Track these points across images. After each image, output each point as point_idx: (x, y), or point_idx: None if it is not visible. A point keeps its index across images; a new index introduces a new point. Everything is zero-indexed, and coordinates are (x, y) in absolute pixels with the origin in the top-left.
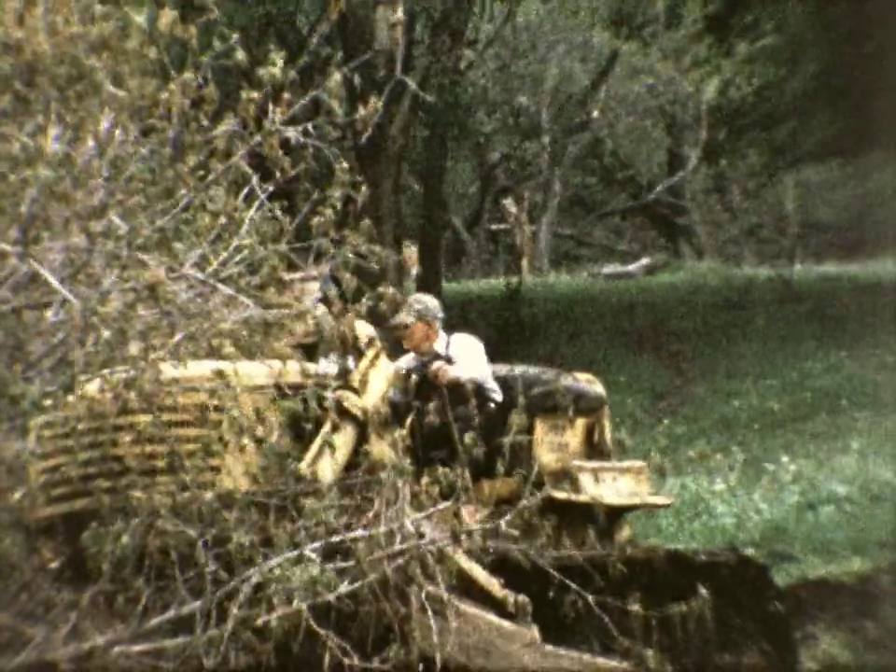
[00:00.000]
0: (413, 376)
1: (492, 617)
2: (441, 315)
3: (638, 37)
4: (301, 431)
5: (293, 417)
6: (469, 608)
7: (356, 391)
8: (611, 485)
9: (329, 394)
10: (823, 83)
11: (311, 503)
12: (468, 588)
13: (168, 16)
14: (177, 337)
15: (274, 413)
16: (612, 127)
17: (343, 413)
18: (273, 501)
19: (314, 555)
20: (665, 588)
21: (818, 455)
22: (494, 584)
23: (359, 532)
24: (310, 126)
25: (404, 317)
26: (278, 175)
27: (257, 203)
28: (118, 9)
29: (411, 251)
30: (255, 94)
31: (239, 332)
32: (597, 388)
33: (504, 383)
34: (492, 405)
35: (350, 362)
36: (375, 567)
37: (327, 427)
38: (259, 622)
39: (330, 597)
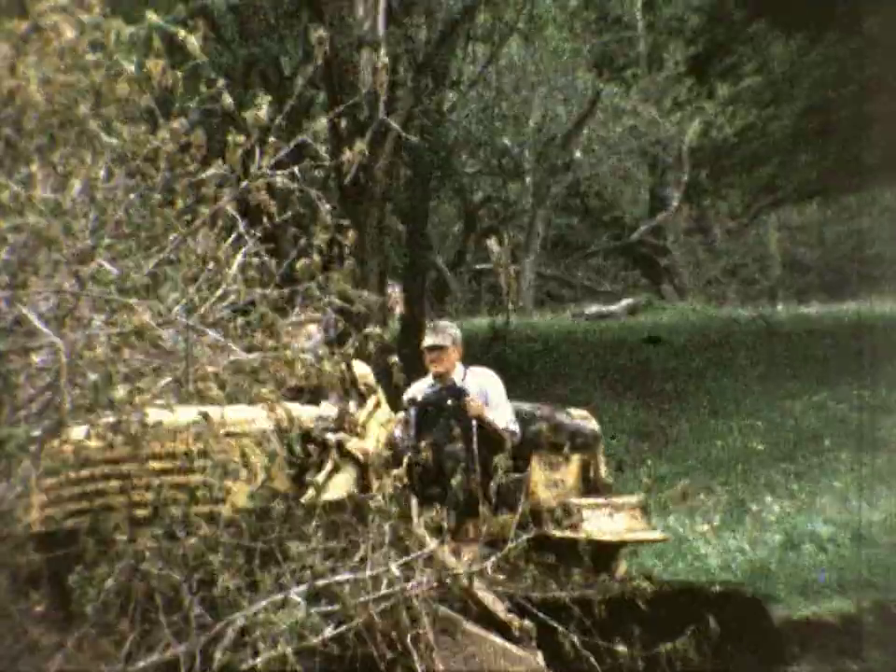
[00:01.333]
0: (416, 405)
1: (498, 639)
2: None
3: (620, 79)
4: (301, 474)
5: (294, 460)
6: (475, 629)
7: (357, 434)
8: (608, 521)
9: (330, 436)
10: (805, 124)
11: (296, 546)
12: (473, 610)
13: (157, 63)
14: (163, 381)
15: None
16: (595, 168)
17: (345, 454)
18: (259, 545)
19: (299, 599)
20: (669, 621)
21: (801, 495)
22: (499, 607)
23: (345, 576)
24: (296, 170)
25: (441, 340)
26: (265, 220)
27: (244, 248)
28: (108, 57)
29: (396, 293)
30: (241, 139)
31: (224, 376)
32: (592, 424)
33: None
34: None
35: (351, 405)
36: (361, 610)
37: (328, 468)
38: (244, 666)
39: (316, 641)
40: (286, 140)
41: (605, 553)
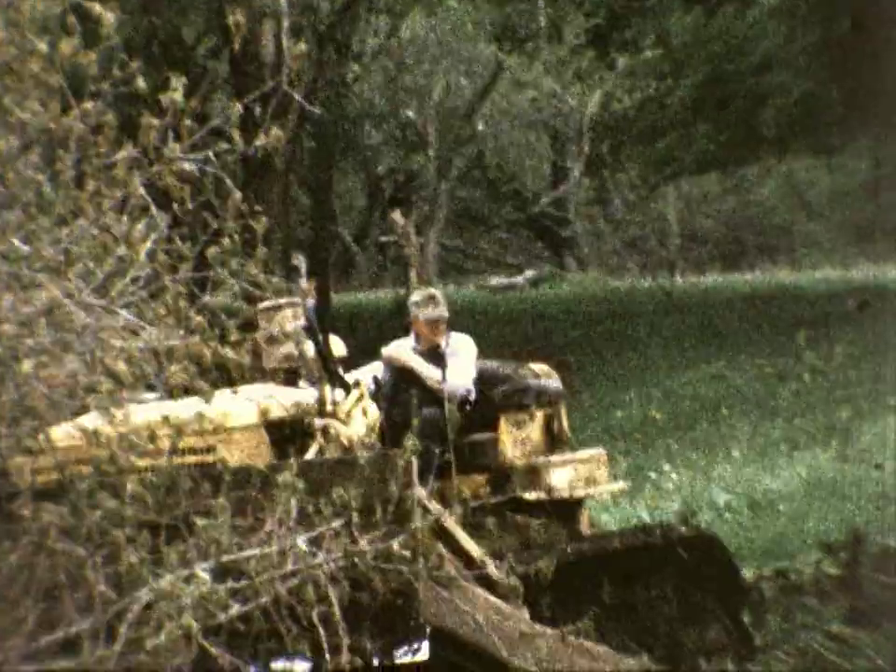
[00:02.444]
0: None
1: (490, 596)
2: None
3: (522, 51)
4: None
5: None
6: (469, 585)
7: (342, 422)
8: (573, 476)
9: (317, 421)
10: (703, 96)
11: (203, 522)
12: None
13: (70, 42)
14: (70, 359)
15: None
16: (497, 140)
17: (330, 439)
18: (165, 520)
19: (205, 574)
20: (633, 566)
21: (699, 463)
22: (489, 565)
23: (251, 551)
24: (211, 154)
25: (444, 311)
26: (175, 205)
27: (156, 232)
28: (20, 35)
29: (302, 264)
30: (155, 121)
31: (133, 352)
32: (556, 382)
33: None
34: (467, 406)
35: (328, 389)
36: (268, 587)
37: (313, 450)
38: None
39: (222, 617)
40: (194, 118)
41: (569, 507)
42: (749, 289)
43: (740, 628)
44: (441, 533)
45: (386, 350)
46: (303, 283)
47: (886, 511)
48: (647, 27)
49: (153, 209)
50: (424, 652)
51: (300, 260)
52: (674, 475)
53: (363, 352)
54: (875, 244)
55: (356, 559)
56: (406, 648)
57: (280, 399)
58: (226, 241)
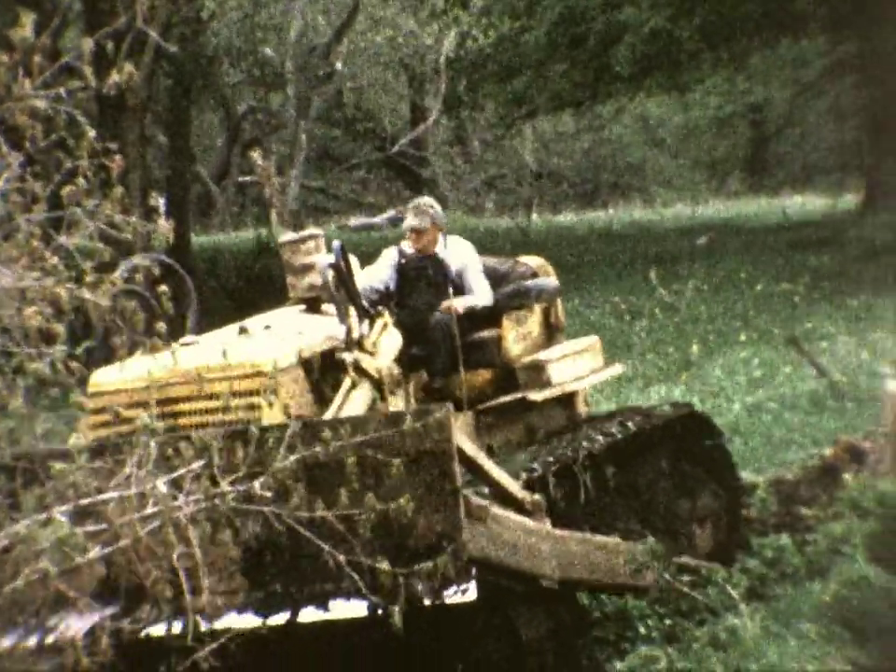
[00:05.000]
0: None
1: (517, 516)
2: (446, 220)
3: None
4: (322, 394)
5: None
6: (500, 511)
7: (370, 353)
8: (573, 367)
9: (346, 355)
10: (557, 35)
11: (60, 466)
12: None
13: None
14: None
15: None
16: (356, 79)
17: (361, 372)
18: (21, 464)
19: (63, 518)
20: (633, 448)
21: None
22: (513, 485)
23: (110, 494)
24: (63, 91)
25: (419, 222)
26: (27, 143)
27: (8, 172)
28: None
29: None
30: (4, 58)
31: None
32: (553, 280)
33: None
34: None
35: (354, 320)
36: (127, 530)
37: (347, 385)
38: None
39: (81, 560)
40: (45, 55)
41: (569, 394)
42: (604, 227)
43: (729, 491)
44: (472, 465)
45: (390, 249)
46: (162, 223)
47: (733, 444)
48: None
49: (4, 148)
50: (472, 592)
51: (158, 201)
52: None
53: (225, 292)
54: (726, 180)
55: (216, 501)
56: (455, 588)
57: (312, 334)
58: (80, 180)
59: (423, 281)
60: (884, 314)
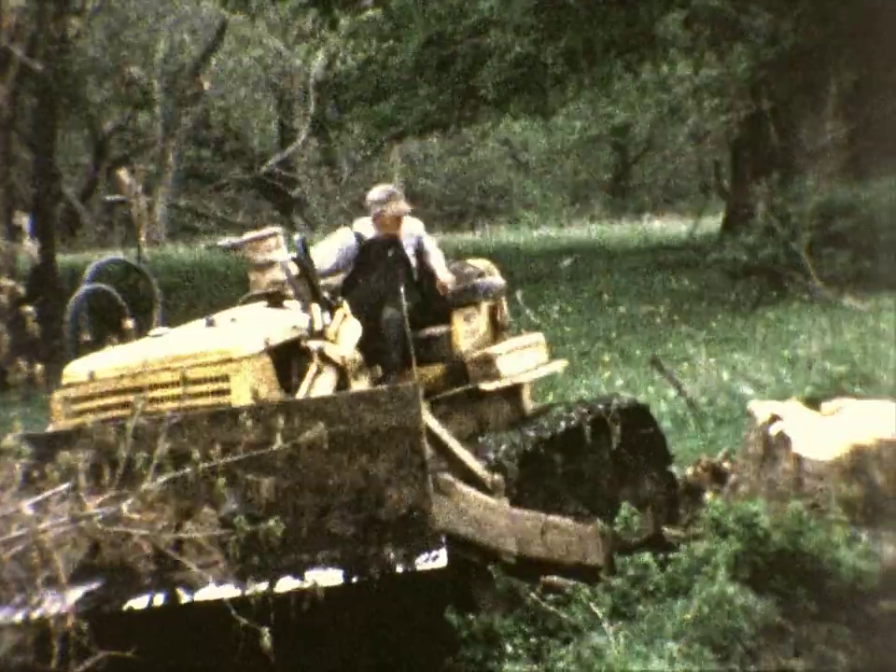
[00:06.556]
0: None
1: (480, 494)
2: None
3: (245, 9)
4: (289, 381)
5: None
6: (464, 488)
7: (332, 342)
8: (520, 361)
9: (312, 343)
10: (424, 58)
11: None
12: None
13: None
14: None
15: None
16: (224, 99)
17: (325, 359)
18: None
19: None
20: (578, 438)
21: None
22: (476, 465)
23: None
24: None
25: (405, 206)
26: None
27: None
28: None
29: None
30: None
31: None
32: (498, 278)
33: None
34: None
35: (317, 311)
36: None
37: (312, 372)
38: None
39: None
40: None
41: (513, 387)
42: (471, 249)
43: (666, 479)
44: (438, 443)
45: (353, 226)
46: (27, 242)
47: None
48: None
49: None
50: (442, 559)
51: (23, 220)
52: None
53: (92, 310)
54: (589, 202)
55: (83, 523)
56: (426, 556)
57: (277, 325)
58: None
59: (382, 263)
60: (743, 335)
